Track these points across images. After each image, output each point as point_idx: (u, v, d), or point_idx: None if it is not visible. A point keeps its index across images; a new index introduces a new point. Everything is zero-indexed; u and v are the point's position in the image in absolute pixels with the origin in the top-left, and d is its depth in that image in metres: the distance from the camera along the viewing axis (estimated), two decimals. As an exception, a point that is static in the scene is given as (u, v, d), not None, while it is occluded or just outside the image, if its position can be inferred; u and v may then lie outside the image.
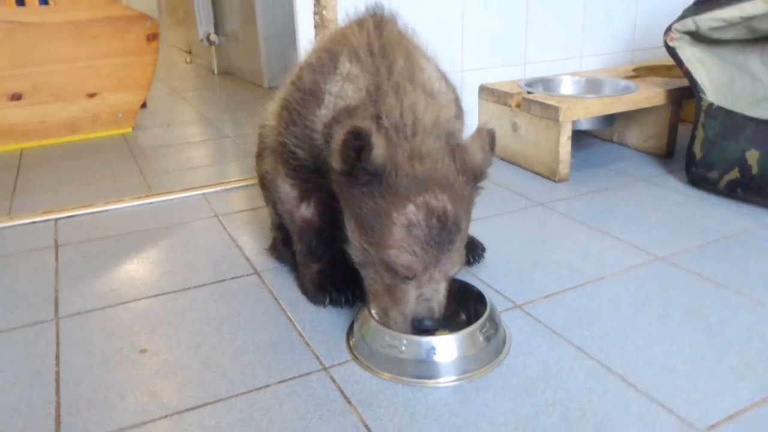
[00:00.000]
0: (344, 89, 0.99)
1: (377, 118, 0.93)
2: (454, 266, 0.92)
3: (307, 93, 1.02)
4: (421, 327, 0.92)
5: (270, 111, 1.16)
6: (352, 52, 1.01)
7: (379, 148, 0.87)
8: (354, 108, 0.97)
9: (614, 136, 2.07)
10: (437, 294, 0.92)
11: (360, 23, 1.05)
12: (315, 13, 1.69)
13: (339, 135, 0.88)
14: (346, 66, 1.00)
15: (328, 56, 1.03)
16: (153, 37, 2.38)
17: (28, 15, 2.15)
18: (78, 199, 1.70)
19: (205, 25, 3.82)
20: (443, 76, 1.07)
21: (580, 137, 2.13)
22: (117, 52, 2.33)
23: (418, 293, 0.91)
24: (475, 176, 0.94)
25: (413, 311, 0.92)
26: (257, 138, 1.26)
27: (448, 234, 0.88)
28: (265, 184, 1.24)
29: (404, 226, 0.87)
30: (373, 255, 0.91)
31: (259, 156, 1.24)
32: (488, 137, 0.96)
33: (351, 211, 0.94)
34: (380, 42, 1.01)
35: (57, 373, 0.97)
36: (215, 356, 1.00)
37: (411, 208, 0.86)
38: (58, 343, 1.05)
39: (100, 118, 2.39)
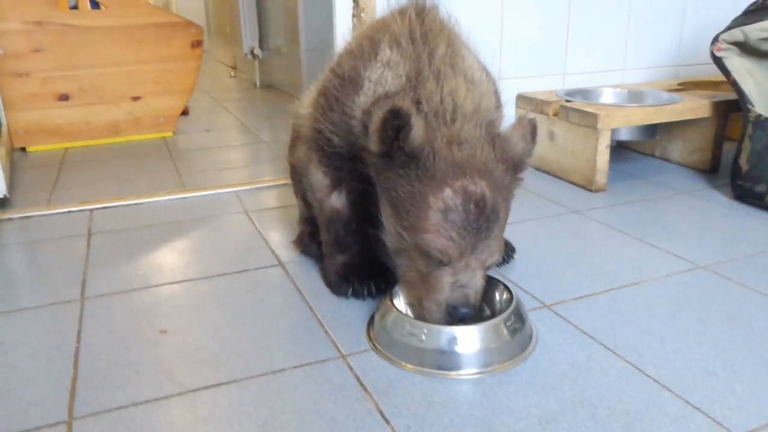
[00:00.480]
0: (384, 76, 0.98)
1: (417, 103, 0.92)
2: (492, 255, 0.89)
3: (346, 79, 1.01)
4: (456, 315, 0.89)
5: (305, 100, 1.16)
6: (393, 39, 1.00)
7: (418, 129, 0.85)
8: (393, 94, 0.95)
9: (656, 151, 2.01)
10: (473, 281, 0.89)
11: (402, 12, 1.04)
12: (354, 16, 1.70)
13: (378, 115, 0.87)
14: (386, 53, 0.99)
15: (368, 43, 1.02)
16: (197, 43, 2.44)
17: (79, 18, 2.23)
18: (114, 192, 1.73)
19: (250, 40, 3.90)
20: (484, 68, 1.06)
21: (620, 152, 2.08)
22: (162, 57, 2.39)
23: (453, 280, 0.88)
24: (515, 166, 0.92)
25: (448, 298, 0.89)
26: (291, 128, 1.26)
27: (486, 220, 0.85)
28: (296, 174, 1.23)
29: (441, 211, 0.84)
30: (408, 240, 0.89)
31: (292, 146, 1.24)
32: (530, 127, 0.94)
33: (387, 194, 0.92)
34: (422, 29, 1.00)
35: (77, 349, 0.97)
36: (233, 340, 0.99)
37: (448, 192, 0.84)
38: (81, 322, 1.05)
39: (143, 122, 2.44)
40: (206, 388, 0.87)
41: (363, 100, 0.99)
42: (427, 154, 0.86)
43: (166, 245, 1.38)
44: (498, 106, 1.04)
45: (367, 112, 0.96)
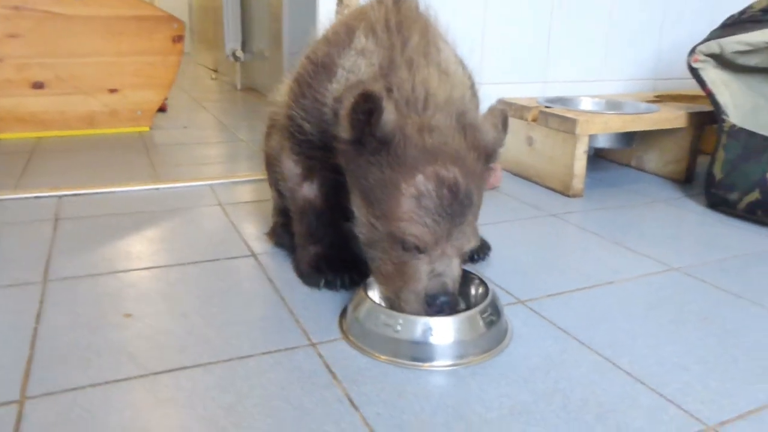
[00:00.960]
0: (357, 64, 0.97)
1: (388, 90, 0.90)
2: (468, 241, 0.87)
3: (319, 66, 1.00)
4: (435, 304, 0.87)
5: (281, 89, 1.14)
6: (368, 27, 0.99)
7: (389, 114, 0.84)
8: (364, 82, 0.94)
9: (632, 161, 2.02)
10: (450, 269, 0.87)
11: (380, 1, 1.03)
12: (337, 13, 1.69)
13: (348, 99, 0.85)
14: (361, 41, 0.98)
15: (344, 30, 1.01)
16: (178, 38, 2.41)
17: (59, 6, 2.19)
18: (85, 181, 1.69)
19: (232, 42, 3.88)
20: (461, 62, 1.05)
21: (597, 161, 2.09)
22: (142, 50, 2.36)
23: (430, 269, 0.86)
24: (486, 154, 0.91)
25: (426, 287, 0.87)
26: (267, 118, 1.24)
27: (460, 206, 0.84)
28: (270, 164, 1.21)
29: (413, 197, 0.83)
30: (380, 229, 0.87)
31: (268, 135, 1.22)
32: (501, 116, 0.93)
33: (357, 183, 0.90)
34: (397, 18, 0.99)
35: (35, 330, 0.93)
36: (200, 326, 0.96)
37: (420, 178, 0.83)
38: (41, 303, 1.02)
39: (119, 114, 2.40)
40: (169, 371, 0.84)
41: (335, 87, 0.97)
42: (398, 141, 0.84)
43: (136, 233, 1.34)
44: (473, 98, 1.03)
45: (339, 100, 0.94)
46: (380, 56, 0.95)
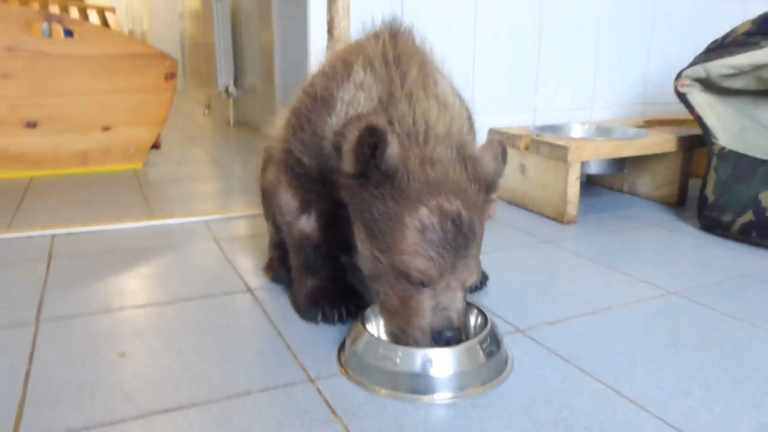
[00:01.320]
0: (356, 97, 0.97)
1: (389, 124, 0.91)
2: (471, 274, 0.87)
3: (318, 99, 1.01)
4: (441, 339, 0.86)
5: (277, 123, 1.15)
6: (366, 61, 1.00)
7: (394, 147, 0.84)
8: (364, 116, 0.95)
9: (624, 186, 2.04)
10: (455, 303, 0.87)
11: (376, 35, 1.04)
12: (328, 48, 1.71)
13: (353, 133, 0.86)
14: (359, 74, 0.99)
15: (342, 64, 1.02)
16: (171, 75, 2.43)
17: (51, 46, 2.21)
18: (79, 219, 1.68)
19: (225, 78, 3.92)
20: (458, 94, 1.06)
21: (589, 187, 2.11)
22: (135, 88, 2.37)
23: (435, 303, 0.86)
24: (487, 186, 0.91)
25: (431, 323, 0.86)
26: (263, 152, 1.24)
27: (464, 239, 0.84)
28: (267, 198, 1.21)
29: (418, 230, 0.83)
30: (384, 263, 0.87)
31: (264, 169, 1.22)
32: (500, 148, 0.94)
33: (361, 217, 0.90)
34: (395, 52, 1.00)
35: (28, 370, 0.92)
36: (196, 362, 0.95)
37: (424, 211, 0.83)
38: (34, 344, 1.00)
39: (113, 152, 2.41)
40: (166, 411, 0.82)
41: (335, 120, 0.98)
42: (401, 174, 0.85)
43: (130, 270, 1.33)
44: (471, 130, 1.04)
45: (339, 134, 0.94)
46: (379, 90, 0.96)
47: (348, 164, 0.88)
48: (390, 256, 0.85)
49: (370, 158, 0.85)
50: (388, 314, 0.91)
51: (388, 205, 0.85)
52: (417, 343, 0.87)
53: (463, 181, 0.87)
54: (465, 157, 0.90)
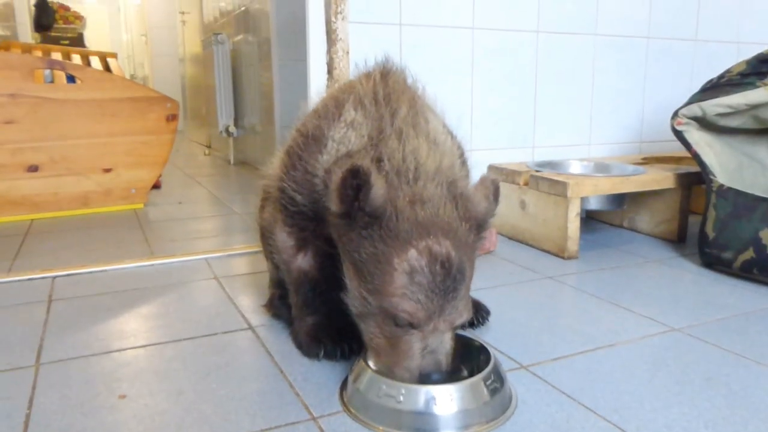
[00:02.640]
0: (347, 135, 0.99)
1: (378, 161, 0.91)
2: (460, 316, 0.86)
3: (309, 138, 1.02)
4: (428, 382, 0.86)
5: (273, 163, 1.16)
6: (357, 100, 1.02)
7: (378, 188, 0.84)
8: (355, 153, 0.96)
9: (624, 222, 2.04)
10: (443, 345, 0.86)
11: (367, 74, 1.06)
12: (327, 87, 1.74)
13: (337, 174, 0.86)
14: (350, 113, 1.01)
15: (333, 103, 1.04)
16: (172, 117, 2.46)
17: (53, 91, 2.25)
18: (79, 260, 1.68)
19: (225, 118, 3.97)
20: (450, 132, 1.07)
21: (589, 223, 2.11)
22: (136, 130, 2.40)
23: (423, 345, 0.85)
24: (478, 225, 0.91)
25: (419, 366, 0.86)
26: (261, 191, 1.25)
27: (453, 281, 0.83)
28: (265, 236, 1.21)
29: (406, 273, 0.82)
30: (373, 303, 0.86)
31: (261, 207, 1.23)
32: (492, 186, 0.94)
33: (349, 257, 0.90)
34: (385, 91, 1.02)
35: (27, 416, 0.91)
36: (198, 403, 0.93)
37: (413, 253, 0.82)
38: (34, 388, 0.99)
39: (114, 193, 2.42)
40: (166, 454, 0.81)
41: (326, 158, 0.98)
42: (389, 214, 0.84)
43: (130, 311, 1.32)
44: (463, 167, 1.04)
45: (329, 171, 0.95)
46: (369, 127, 0.97)
47: (334, 204, 0.88)
48: (378, 298, 0.85)
49: (354, 200, 0.84)
50: (376, 353, 0.90)
51: (376, 246, 0.85)
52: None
53: (453, 220, 0.87)
54: (456, 195, 0.90)
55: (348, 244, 0.89)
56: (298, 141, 1.03)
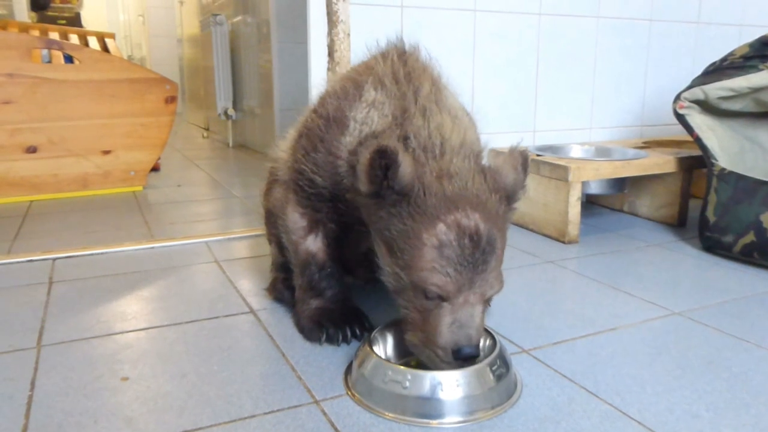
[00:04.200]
0: (370, 116, 0.98)
1: (405, 139, 0.91)
2: (491, 287, 0.86)
3: (331, 120, 1.01)
4: (460, 356, 0.85)
5: (283, 144, 1.16)
6: (376, 80, 1.01)
7: (406, 167, 0.84)
8: (380, 133, 0.95)
9: (625, 206, 2.04)
10: (473, 319, 0.85)
11: (384, 55, 1.05)
12: (329, 70, 1.73)
13: (364, 155, 0.86)
14: (371, 93, 1.00)
15: (352, 85, 1.03)
16: (171, 99, 2.44)
17: (51, 71, 2.23)
18: (79, 242, 1.67)
19: (224, 101, 3.94)
20: (463, 107, 1.07)
21: (590, 207, 2.11)
22: (135, 111, 2.38)
23: (452, 320, 0.85)
24: (508, 196, 0.91)
25: (450, 342, 0.85)
26: (267, 174, 1.24)
27: (482, 254, 0.83)
28: (271, 219, 1.21)
29: (435, 247, 0.82)
30: (405, 279, 0.86)
31: (268, 190, 1.22)
32: (521, 158, 0.93)
33: (380, 234, 0.90)
34: (405, 70, 1.01)
35: (30, 397, 0.91)
36: (200, 386, 0.94)
37: (441, 227, 0.82)
38: (36, 370, 0.99)
39: (113, 175, 2.41)
40: (170, 436, 0.81)
41: (349, 140, 0.98)
42: (417, 191, 0.85)
43: (131, 293, 1.32)
44: (478, 139, 1.04)
45: (354, 153, 0.95)
46: (392, 106, 0.97)
47: (362, 185, 0.88)
48: (409, 273, 0.85)
49: (383, 179, 0.85)
50: (411, 326, 0.90)
51: (405, 223, 0.85)
52: (437, 364, 0.87)
53: (482, 192, 0.87)
54: (483, 167, 0.90)
55: (378, 222, 0.90)
56: (318, 123, 1.02)
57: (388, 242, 0.88)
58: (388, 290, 0.92)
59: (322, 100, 1.06)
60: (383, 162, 0.84)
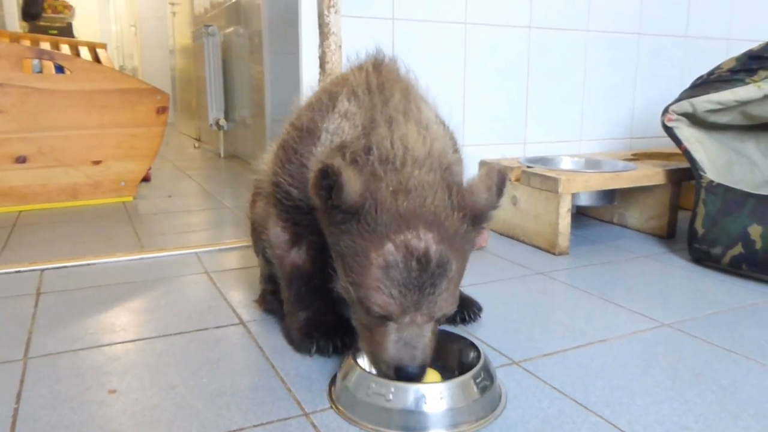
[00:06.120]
0: (341, 126, 0.98)
1: (368, 149, 0.90)
2: (440, 309, 0.84)
3: (304, 131, 1.01)
4: (402, 375, 0.85)
5: (266, 157, 1.16)
6: (350, 91, 1.01)
7: (352, 185, 0.82)
8: (348, 143, 0.95)
9: (614, 217, 2.05)
10: (420, 339, 0.84)
11: (360, 66, 1.06)
12: (320, 81, 1.73)
13: (311, 173, 0.86)
14: (344, 104, 1.00)
15: (327, 96, 1.03)
16: (162, 109, 2.44)
17: (42, 81, 2.22)
18: (68, 253, 1.66)
19: (215, 112, 3.94)
20: (442, 122, 1.06)
21: (580, 218, 2.12)
22: (126, 122, 2.38)
23: (397, 337, 0.84)
24: (474, 216, 0.87)
25: (393, 358, 0.85)
26: (252, 186, 1.24)
27: (431, 276, 0.81)
28: (256, 231, 1.21)
29: (381, 267, 0.81)
30: (353, 294, 0.86)
31: (253, 202, 1.22)
32: (497, 178, 0.89)
33: (334, 248, 0.90)
34: (378, 80, 1.01)
35: (16, 410, 0.90)
36: (189, 398, 0.93)
37: (390, 247, 0.81)
38: (22, 382, 0.98)
39: (103, 186, 2.40)
40: (157, 449, 0.81)
41: (320, 150, 0.98)
42: (368, 207, 0.83)
43: (120, 305, 1.31)
44: (455, 154, 1.01)
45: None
46: (362, 117, 0.96)
47: (314, 202, 0.88)
48: (357, 289, 0.85)
49: (327, 199, 0.83)
50: (361, 338, 0.91)
51: (355, 240, 0.84)
52: (381, 373, 0.88)
53: (442, 209, 0.84)
54: (450, 182, 0.87)
55: (330, 236, 0.90)
56: (293, 134, 1.03)
57: (340, 257, 0.88)
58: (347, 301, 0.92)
59: (299, 112, 1.07)
60: (326, 182, 0.82)
